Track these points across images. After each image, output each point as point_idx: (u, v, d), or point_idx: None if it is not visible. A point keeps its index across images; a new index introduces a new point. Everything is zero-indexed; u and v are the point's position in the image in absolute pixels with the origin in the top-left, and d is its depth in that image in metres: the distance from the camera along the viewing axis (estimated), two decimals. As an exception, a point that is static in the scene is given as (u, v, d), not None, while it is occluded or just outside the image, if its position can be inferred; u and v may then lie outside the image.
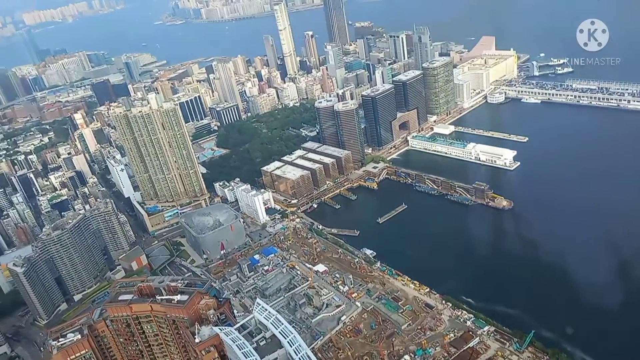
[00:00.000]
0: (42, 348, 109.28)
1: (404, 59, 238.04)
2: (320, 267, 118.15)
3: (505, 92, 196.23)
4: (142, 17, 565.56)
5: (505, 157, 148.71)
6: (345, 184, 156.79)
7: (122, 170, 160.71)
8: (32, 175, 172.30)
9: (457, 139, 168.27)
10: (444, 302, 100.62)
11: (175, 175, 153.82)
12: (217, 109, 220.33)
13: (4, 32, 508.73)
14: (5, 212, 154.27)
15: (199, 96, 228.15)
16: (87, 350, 75.72)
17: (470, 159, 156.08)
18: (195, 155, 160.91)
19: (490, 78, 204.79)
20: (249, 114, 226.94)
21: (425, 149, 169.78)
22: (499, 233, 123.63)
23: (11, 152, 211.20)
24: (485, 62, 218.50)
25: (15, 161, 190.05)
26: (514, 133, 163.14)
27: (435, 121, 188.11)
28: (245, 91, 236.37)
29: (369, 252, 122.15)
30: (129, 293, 78.51)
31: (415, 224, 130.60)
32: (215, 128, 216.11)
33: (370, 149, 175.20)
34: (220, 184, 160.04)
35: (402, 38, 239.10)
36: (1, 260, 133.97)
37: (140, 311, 76.97)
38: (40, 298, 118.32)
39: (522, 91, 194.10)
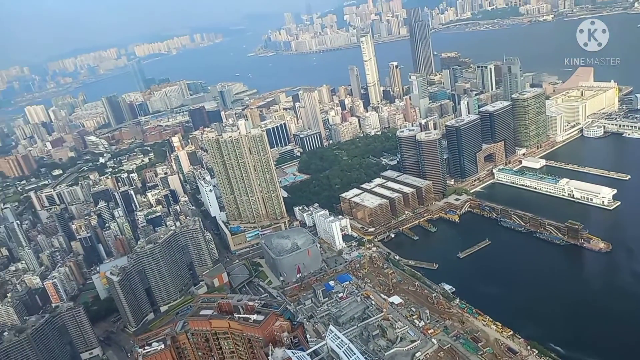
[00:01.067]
0: (129, 354, 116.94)
1: (492, 89, 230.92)
2: (396, 299, 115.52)
3: (605, 126, 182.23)
4: (237, 50, 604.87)
5: (603, 196, 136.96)
6: (424, 215, 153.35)
7: (210, 190, 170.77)
8: (132, 192, 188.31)
9: (548, 173, 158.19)
10: (529, 348, 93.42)
11: (258, 197, 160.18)
12: (301, 135, 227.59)
13: (118, 62, 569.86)
14: (107, 225, 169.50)
15: (284, 123, 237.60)
16: None
17: (563, 195, 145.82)
18: (277, 179, 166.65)
19: (587, 111, 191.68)
20: (331, 142, 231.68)
21: (513, 182, 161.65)
22: (595, 277, 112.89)
23: (116, 170, 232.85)
24: (582, 94, 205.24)
25: (119, 178, 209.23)
26: (614, 170, 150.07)
27: (524, 154, 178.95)
28: (328, 119, 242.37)
29: (448, 287, 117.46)
30: (210, 308, 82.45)
31: (499, 261, 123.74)
32: (298, 154, 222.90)
33: (453, 180, 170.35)
34: (300, 208, 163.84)
35: (490, 68, 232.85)
36: (100, 269, 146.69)
37: (218, 327, 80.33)
38: (131, 306, 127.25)
39: (623, 125, 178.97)
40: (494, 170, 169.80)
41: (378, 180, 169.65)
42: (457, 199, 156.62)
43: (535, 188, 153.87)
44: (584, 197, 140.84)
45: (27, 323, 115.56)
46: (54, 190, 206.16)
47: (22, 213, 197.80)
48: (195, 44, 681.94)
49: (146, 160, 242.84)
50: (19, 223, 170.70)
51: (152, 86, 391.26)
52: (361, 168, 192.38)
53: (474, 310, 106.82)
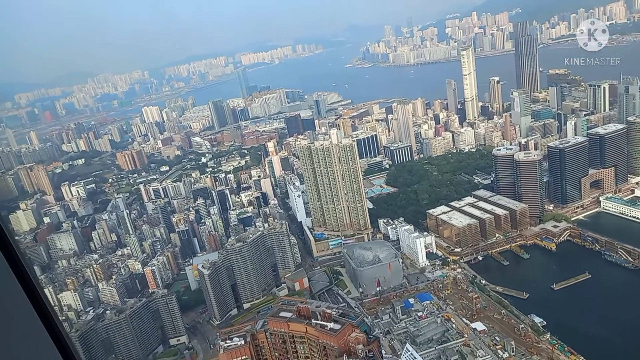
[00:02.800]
0: (212, 345, 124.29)
1: (604, 110, 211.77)
2: (479, 326, 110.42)
3: None
4: (336, 60, 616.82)
5: None
6: (517, 239, 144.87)
7: (299, 196, 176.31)
8: (227, 192, 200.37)
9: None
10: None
11: (344, 206, 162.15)
12: (391, 148, 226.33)
13: (226, 70, 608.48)
14: (203, 220, 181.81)
15: (375, 134, 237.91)
16: (247, 356, 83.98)
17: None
18: (364, 190, 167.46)
19: None
20: (422, 156, 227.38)
21: (622, 213, 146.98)
22: None
23: (215, 170, 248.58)
24: None
25: (217, 178, 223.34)
26: None
27: (637, 183, 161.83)
28: (420, 133, 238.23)
29: (538, 319, 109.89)
30: (289, 311, 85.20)
31: (600, 298, 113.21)
32: (387, 166, 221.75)
33: (552, 205, 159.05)
34: (384, 221, 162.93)
35: (603, 88, 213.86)
36: (193, 261, 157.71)
37: (296, 330, 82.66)
38: (218, 300, 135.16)
39: None
40: (601, 198, 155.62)
41: (469, 199, 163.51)
42: (555, 226, 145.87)
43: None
44: None
45: (126, 304, 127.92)
46: (160, 185, 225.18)
47: (131, 203, 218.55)
48: (297, 54, 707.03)
49: (243, 162, 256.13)
50: (128, 212, 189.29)
51: (254, 93, 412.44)
52: (451, 185, 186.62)
53: (565, 349, 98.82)
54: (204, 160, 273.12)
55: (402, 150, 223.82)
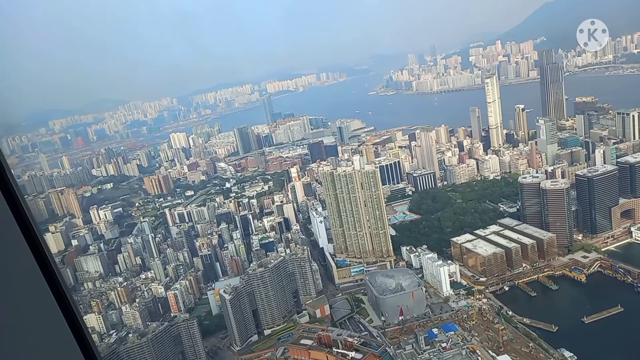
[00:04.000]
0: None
1: (634, 139, 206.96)
2: (506, 359, 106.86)
3: None
4: (359, 88, 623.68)
5: None
6: (545, 270, 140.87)
7: (321, 222, 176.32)
8: (250, 217, 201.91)
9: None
10: None
11: (366, 233, 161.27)
12: (414, 174, 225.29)
13: (251, 97, 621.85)
14: (225, 245, 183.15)
15: (398, 161, 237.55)
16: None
17: None
18: (387, 217, 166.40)
19: None
20: (445, 183, 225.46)
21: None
22: None
23: (239, 195, 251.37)
24: None
25: (240, 203, 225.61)
26: None
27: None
28: (444, 160, 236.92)
29: (568, 354, 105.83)
30: (310, 339, 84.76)
31: (633, 332, 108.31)
32: (410, 193, 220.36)
33: (581, 235, 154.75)
34: (407, 248, 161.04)
35: (633, 115, 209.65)
36: (215, 286, 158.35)
37: (317, 359, 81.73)
38: (238, 325, 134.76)
39: None
40: (632, 229, 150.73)
41: (494, 228, 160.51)
42: (585, 257, 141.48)
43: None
44: None
45: (148, 328, 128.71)
46: (185, 209, 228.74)
47: (156, 227, 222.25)
48: (321, 82, 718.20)
49: (266, 188, 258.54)
50: (153, 236, 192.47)
51: (278, 120, 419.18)
52: (476, 213, 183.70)
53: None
54: (228, 185, 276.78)
55: (425, 177, 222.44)
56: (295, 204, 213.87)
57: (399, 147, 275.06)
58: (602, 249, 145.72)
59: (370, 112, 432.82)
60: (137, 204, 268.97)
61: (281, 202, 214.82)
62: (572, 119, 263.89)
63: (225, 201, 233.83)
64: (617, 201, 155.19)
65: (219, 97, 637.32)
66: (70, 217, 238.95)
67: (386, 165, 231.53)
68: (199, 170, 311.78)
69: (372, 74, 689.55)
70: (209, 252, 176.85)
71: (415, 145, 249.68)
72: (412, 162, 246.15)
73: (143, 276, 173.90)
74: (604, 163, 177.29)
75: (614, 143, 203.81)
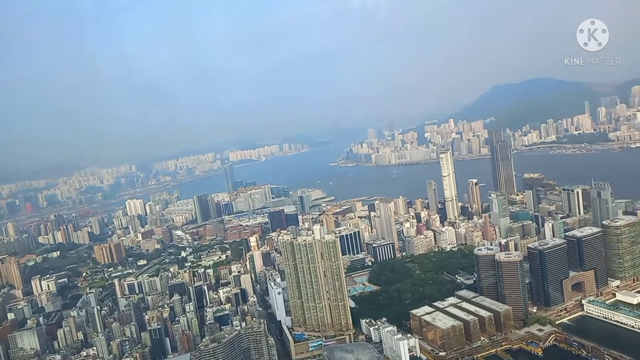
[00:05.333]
0: None
1: (579, 214, 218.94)
2: None
3: None
4: (321, 159, 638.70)
5: None
6: (502, 343, 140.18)
7: (279, 293, 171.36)
8: (205, 288, 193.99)
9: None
10: None
11: (325, 305, 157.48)
12: (374, 245, 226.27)
13: (213, 165, 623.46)
14: (177, 318, 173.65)
15: (358, 231, 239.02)
16: None
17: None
18: (346, 288, 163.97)
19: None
20: (404, 253, 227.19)
21: (605, 317, 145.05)
22: None
23: (195, 264, 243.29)
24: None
25: (196, 273, 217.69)
26: None
27: (618, 286, 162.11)
28: (402, 231, 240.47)
29: None
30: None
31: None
32: (369, 263, 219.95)
33: (535, 307, 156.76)
34: (367, 321, 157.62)
35: (577, 192, 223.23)
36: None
37: None
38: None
39: None
40: (584, 302, 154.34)
41: (452, 300, 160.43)
42: (540, 330, 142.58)
43: (633, 327, 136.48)
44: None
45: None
46: (136, 280, 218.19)
47: (103, 299, 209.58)
48: (283, 152, 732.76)
49: (223, 257, 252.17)
50: (98, 308, 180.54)
51: (239, 188, 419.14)
52: (434, 284, 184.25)
53: None
54: (183, 254, 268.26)
55: (384, 248, 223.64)
56: (253, 274, 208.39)
57: (359, 217, 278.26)
58: (556, 322, 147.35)
59: (332, 183, 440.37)
60: (84, 274, 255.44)
61: (239, 272, 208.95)
62: (521, 194, 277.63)
63: (180, 271, 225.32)
64: (568, 274, 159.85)
65: (180, 165, 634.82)
66: (9, 288, 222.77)
67: (346, 235, 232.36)
68: (154, 239, 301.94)
69: (333, 146, 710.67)
70: (159, 326, 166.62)
71: (374, 216, 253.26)
72: (371, 233, 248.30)
73: (84, 353, 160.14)
74: (553, 236, 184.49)
75: (561, 217, 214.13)
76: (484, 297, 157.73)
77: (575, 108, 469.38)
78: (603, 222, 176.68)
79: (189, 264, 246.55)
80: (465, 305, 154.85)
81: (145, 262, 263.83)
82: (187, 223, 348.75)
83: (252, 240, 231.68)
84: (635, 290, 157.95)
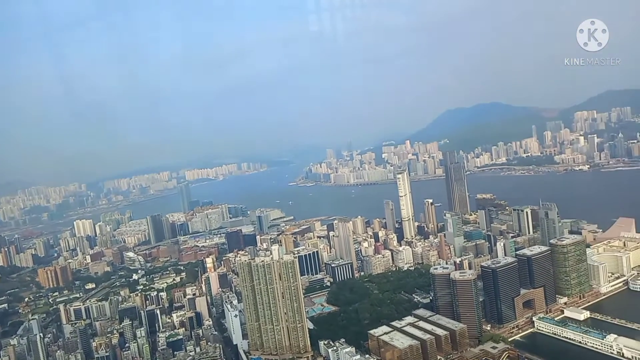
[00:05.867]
0: None
1: (529, 233, 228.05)
2: None
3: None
4: (280, 179, 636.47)
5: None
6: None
7: (235, 316, 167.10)
8: (158, 312, 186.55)
9: (593, 327, 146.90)
10: None
11: (283, 327, 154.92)
12: (332, 265, 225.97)
13: (168, 184, 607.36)
14: (127, 344, 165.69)
15: (317, 251, 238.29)
16: None
17: (611, 353, 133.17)
18: (305, 309, 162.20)
19: (631, 262, 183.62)
20: (362, 273, 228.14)
21: (555, 333, 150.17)
22: None
23: (147, 287, 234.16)
24: (625, 245, 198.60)
25: (148, 296, 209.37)
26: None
27: (565, 303, 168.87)
28: (361, 250, 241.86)
29: None
30: None
31: None
32: (328, 284, 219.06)
33: (489, 325, 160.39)
34: (325, 342, 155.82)
35: (526, 212, 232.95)
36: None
37: None
38: None
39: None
40: (534, 319, 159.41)
41: (409, 319, 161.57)
42: (494, 347, 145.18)
43: (580, 342, 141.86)
44: (636, 357, 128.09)
45: None
46: (83, 304, 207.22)
47: (47, 325, 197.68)
48: (242, 171, 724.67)
49: (178, 279, 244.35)
50: (41, 336, 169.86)
51: (195, 208, 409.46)
52: (392, 304, 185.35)
53: None
54: (135, 276, 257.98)
55: (343, 268, 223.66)
56: (209, 297, 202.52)
57: (318, 237, 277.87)
58: (509, 339, 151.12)
59: (291, 202, 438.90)
60: (26, 299, 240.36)
61: (194, 294, 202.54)
62: (475, 214, 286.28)
63: (131, 294, 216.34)
64: (519, 292, 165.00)
65: (133, 184, 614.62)
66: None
67: (305, 255, 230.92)
68: (103, 261, 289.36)
69: (292, 166, 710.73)
70: (107, 354, 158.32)
71: (333, 235, 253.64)
72: (330, 252, 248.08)
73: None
74: (505, 255, 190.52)
75: (512, 237, 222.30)
76: (440, 315, 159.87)
77: (523, 132, 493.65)
78: (551, 241, 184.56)
79: (141, 287, 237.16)
80: (422, 324, 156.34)
81: (93, 285, 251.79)
82: (140, 244, 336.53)
83: (209, 261, 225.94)
84: (581, 307, 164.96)
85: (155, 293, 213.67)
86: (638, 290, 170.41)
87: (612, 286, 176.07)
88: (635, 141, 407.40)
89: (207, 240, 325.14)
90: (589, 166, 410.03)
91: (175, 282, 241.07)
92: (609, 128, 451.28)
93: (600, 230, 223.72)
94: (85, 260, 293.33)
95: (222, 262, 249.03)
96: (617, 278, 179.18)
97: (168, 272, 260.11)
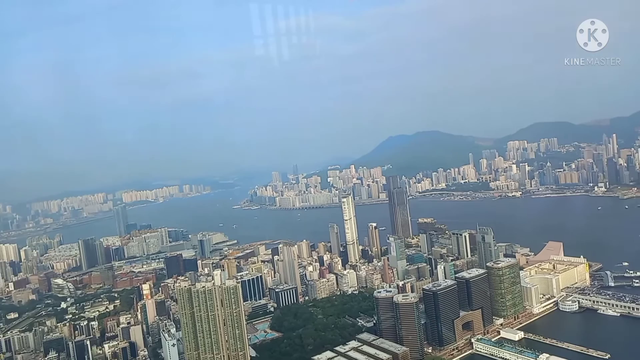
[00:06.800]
0: None
1: (467, 256, 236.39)
2: None
3: (579, 301, 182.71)
4: (224, 202, 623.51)
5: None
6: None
7: (173, 345, 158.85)
8: (88, 342, 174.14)
9: (527, 347, 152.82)
10: None
11: (224, 356, 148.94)
12: (276, 290, 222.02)
13: (103, 207, 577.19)
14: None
15: (261, 276, 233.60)
16: None
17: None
18: (247, 336, 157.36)
19: (560, 284, 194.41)
20: (307, 298, 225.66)
21: (492, 354, 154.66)
22: None
23: (76, 317, 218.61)
24: (554, 267, 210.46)
25: (77, 326, 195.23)
26: (592, 347, 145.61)
27: (502, 324, 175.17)
28: (305, 274, 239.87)
29: None
30: None
31: None
32: (272, 309, 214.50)
33: (430, 348, 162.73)
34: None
35: (465, 236, 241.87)
36: None
37: None
38: None
39: (597, 301, 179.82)
40: (473, 340, 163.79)
41: (353, 343, 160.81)
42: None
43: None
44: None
45: None
46: (4, 336, 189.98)
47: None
48: (184, 194, 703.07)
49: (111, 307, 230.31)
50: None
51: (132, 231, 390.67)
52: (336, 328, 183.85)
53: None
54: (63, 305, 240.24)
55: (287, 293, 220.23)
56: (144, 325, 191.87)
57: (262, 261, 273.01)
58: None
59: (235, 226, 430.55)
60: None
61: (128, 323, 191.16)
62: (417, 238, 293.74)
63: (59, 324, 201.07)
64: (459, 314, 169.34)
65: (64, 206, 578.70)
66: None
67: (248, 280, 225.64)
68: (28, 288, 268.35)
69: (237, 189, 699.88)
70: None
71: (278, 260, 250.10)
72: (274, 277, 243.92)
73: None
74: (445, 278, 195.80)
75: (452, 260, 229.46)
76: (383, 339, 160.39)
77: (461, 159, 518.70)
78: (487, 264, 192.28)
79: (70, 316, 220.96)
80: (365, 348, 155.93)
81: (16, 315, 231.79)
82: (70, 270, 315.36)
83: (145, 287, 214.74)
84: (516, 328, 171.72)
85: (85, 322, 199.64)
86: (567, 310, 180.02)
87: (543, 307, 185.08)
88: (562, 170, 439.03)
89: (145, 266, 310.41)
90: (521, 193, 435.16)
91: (108, 310, 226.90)
92: (538, 157, 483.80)
93: (532, 254, 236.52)
94: (8, 287, 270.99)
95: (160, 289, 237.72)
96: (548, 299, 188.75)
97: (100, 299, 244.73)
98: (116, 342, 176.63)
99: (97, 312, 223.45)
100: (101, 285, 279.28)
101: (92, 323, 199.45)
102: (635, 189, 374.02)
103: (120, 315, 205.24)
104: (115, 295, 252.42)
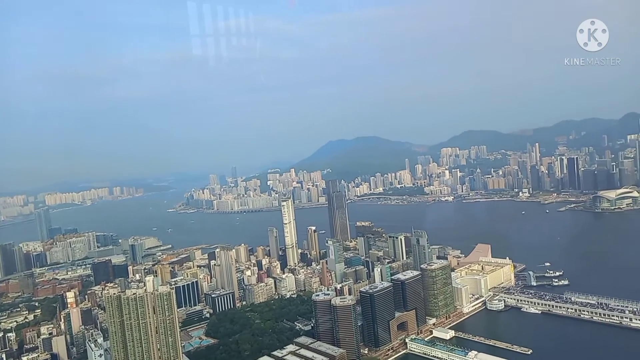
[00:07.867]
0: None
1: (403, 259, 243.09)
2: None
3: (505, 300, 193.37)
4: (158, 205, 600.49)
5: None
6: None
7: (100, 355, 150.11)
8: (4, 356, 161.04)
9: (457, 345, 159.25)
10: None
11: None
12: (212, 295, 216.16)
13: (24, 210, 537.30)
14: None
15: (196, 281, 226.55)
16: None
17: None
18: (181, 344, 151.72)
19: (488, 284, 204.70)
20: (244, 302, 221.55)
21: (425, 353, 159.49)
22: None
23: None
24: (483, 268, 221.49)
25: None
26: (516, 343, 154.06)
27: (434, 324, 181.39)
28: (243, 279, 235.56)
29: None
30: None
31: None
32: (207, 315, 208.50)
33: (367, 349, 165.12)
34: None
35: (400, 239, 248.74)
36: None
37: None
38: None
39: (521, 300, 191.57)
40: (407, 340, 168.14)
41: (291, 347, 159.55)
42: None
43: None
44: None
45: None
46: None
47: None
48: (114, 196, 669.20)
49: (31, 317, 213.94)
50: None
51: (56, 236, 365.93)
52: (274, 333, 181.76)
53: None
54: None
55: (224, 298, 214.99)
56: (69, 336, 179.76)
57: (198, 266, 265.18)
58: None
59: (170, 230, 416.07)
60: None
61: (50, 334, 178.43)
62: (354, 241, 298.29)
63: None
64: (394, 315, 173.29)
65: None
66: None
67: (183, 286, 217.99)
68: None
69: (172, 191, 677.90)
70: None
71: (214, 265, 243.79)
72: (210, 282, 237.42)
73: None
74: (382, 280, 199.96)
75: (388, 262, 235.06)
76: (321, 342, 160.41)
77: (398, 164, 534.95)
78: (421, 265, 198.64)
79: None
80: (303, 352, 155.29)
81: None
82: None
83: (70, 295, 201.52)
84: (447, 327, 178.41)
85: (1, 334, 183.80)
86: (494, 309, 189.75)
87: (472, 306, 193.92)
88: (490, 176, 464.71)
89: (69, 272, 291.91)
90: (453, 197, 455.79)
91: (27, 320, 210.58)
92: (469, 164, 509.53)
93: (463, 255, 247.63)
94: None
95: (86, 297, 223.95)
96: (477, 299, 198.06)
97: (19, 309, 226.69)
98: (36, 355, 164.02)
99: (15, 323, 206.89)
100: (20, 293, 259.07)
101: (9, 334, 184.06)
102: (555, 194, 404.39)
103: (42, 326, 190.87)
104: (36, 304, 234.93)
